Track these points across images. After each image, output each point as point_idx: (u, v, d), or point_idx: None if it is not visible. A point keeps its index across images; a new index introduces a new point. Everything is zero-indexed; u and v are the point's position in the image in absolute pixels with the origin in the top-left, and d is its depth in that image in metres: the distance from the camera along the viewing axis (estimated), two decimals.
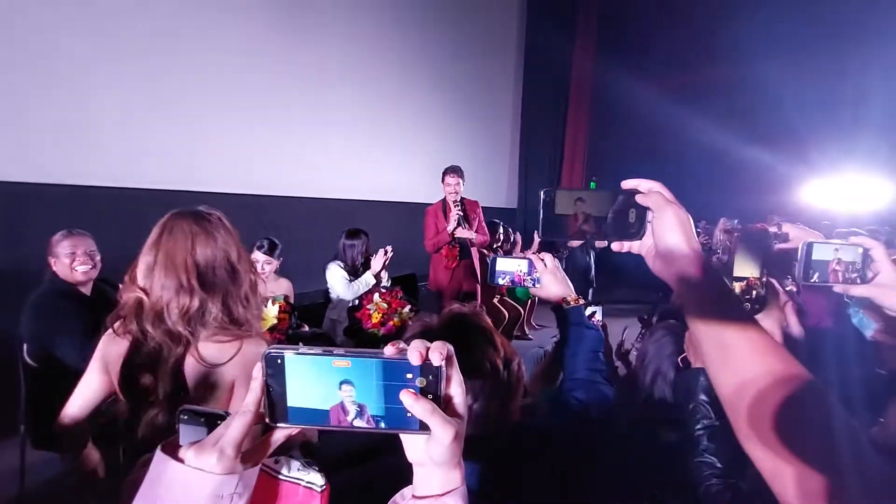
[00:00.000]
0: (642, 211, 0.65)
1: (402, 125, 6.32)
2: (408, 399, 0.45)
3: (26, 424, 2.09)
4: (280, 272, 3.20)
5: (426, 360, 0.46)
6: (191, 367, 1.15)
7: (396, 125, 6.21)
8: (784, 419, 0.49)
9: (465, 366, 0.56)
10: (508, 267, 1.30)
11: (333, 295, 3.50)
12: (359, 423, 0.47)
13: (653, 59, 8.30)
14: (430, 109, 6.74)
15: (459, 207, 3.81)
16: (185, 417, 0.64)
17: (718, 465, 0.86)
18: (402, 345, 0.47)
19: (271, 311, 2.40)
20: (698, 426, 0.90)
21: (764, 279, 0.80)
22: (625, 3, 8.65)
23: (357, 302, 3.33)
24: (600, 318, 1.44)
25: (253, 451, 0.51)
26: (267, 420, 0.48)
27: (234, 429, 0.49)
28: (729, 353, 0.54)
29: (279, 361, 0.46)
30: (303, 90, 5.02)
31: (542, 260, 1.21)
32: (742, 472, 0.83)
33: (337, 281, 3.43)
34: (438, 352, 0.46)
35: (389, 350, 0.46)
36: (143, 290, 1.15)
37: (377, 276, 3.40)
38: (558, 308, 1.18)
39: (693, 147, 7.74)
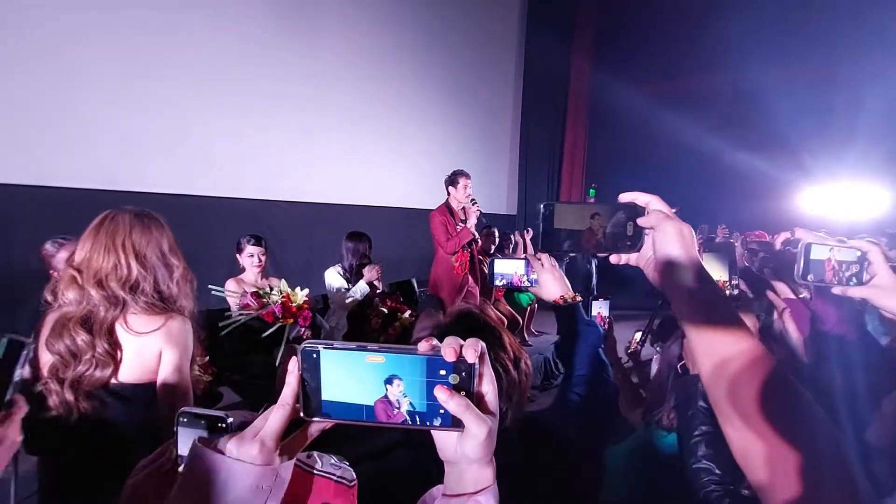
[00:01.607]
0: (640, 224, 0.66)
1: (403, 131, 6.33)
2: (442, 395, 0.46)
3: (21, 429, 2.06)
4: (278, 275, 3.19)
5: (460, 357, 0.46)
6: (120, 333, 1.29)
7: (396, 131, 6.23)
8: (754, 399, 0.53)
9: None
10: (506, 268, 1.33)
11: (332, 301, 3.49)
12: (391, 420, 0.47)
13: (650, 66, 8.38)
14: (430, 116, 6.76)
15: (477, 204, 3.81)
16: (185, 420, 0.64)
17: (717, 471, 0.86)
18: (434, 341, 0.47)
19: (300, 295, 2.66)
20: (696, 432, 0.91)
21: (735, 282, 0.83)
22: (623, 12, 8.72)
23: (356, 307, 3.33)
24: (606, 314, 1.44)
25: (289, 444, 0.52)
26: (301, 414, 0.49)
27: (273, 421, 0.49)
28: (716, 348, 0.57)
29: (314, 356, 0.47)
30: (302, 96, 5.04)
31: (540, 260, 1.23)
32: (740, 478, 0.83)
33: (335, 284, 3.43)
34: (473, 349, 0.47)
35: (423, 346, 0.47)
36: (77, 269, 1.30)
37: (371, 285, 3.40)
38: (557, 307, 1.20)
39: (690, 153, 7.79)
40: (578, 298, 1.19)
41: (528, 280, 1.29)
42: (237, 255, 3.08)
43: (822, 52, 7.22)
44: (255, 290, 2.72)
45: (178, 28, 3.96)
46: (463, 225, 3.81)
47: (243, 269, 3.08)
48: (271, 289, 2.68)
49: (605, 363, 1.13)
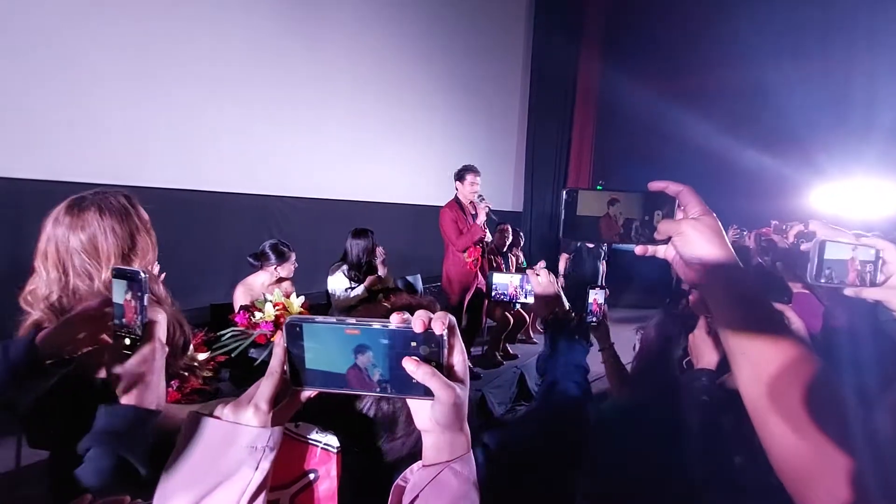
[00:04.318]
0: (669, 215, 0.63)
1: (409, 128, 6.33)
2: (410, 365, 0.49)
3: (23, 422, 2.07)
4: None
5: (428, 329, 0.49)
6: None
7: (403, 127, 6.23)
8: (796, 402, 0.51)
9: None
10: (503, 281, 1.40)
11: (334, 300, 3.49)
12: (369, 388, 0.51)
13: (659, 62, 8.28)
14: (437, 112, 6.76)
15: (486, 201, 3.79)
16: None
17: (720, 463, 0.85)
18: (406, 315, 0.50)
19: (295, 304, 2.62)
20: (700, 426, 0.90)
21: None
22: (631, 7, 8.64)
23: (358, 303, 3.33)
24: (602, 301, 1.48)
25: (280, 411, 0.56)
26: (290, 384, 0.54)
27: (264, 387, 0.55)
28: (755, 348, 0.55)
29: (298, 330, 0.51)
30: (309, 92, 5.05)
31: (538, 275, 1.25)
32: (742, 470, 0.82)
33: (337, 286, 3.43)
34: (440, 321, 0.50)
35: (395, 319, 0.50)
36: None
37: (370, 290, 3.40)
38: (548, 321, 1.19)
39: (699, 151, 7.70)
40: (572, 314, 1.20)
41: (524, 294, 1.34)
42: (271, 263, 3.03)
43: (837, 46, 7.10)
44: (252, 301, 2.65)
45: (187, 25, 3.98)
46: (474, 221, 3.80)
47: (254, 271, 3.07)
48: (265, 301, 2.56)
49: (584, 379, 1.09)
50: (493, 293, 1.40)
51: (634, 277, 6.28)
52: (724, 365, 1.02)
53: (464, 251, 3.82)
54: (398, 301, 0.82)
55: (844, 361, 1.00)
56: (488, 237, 3.89)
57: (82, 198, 1.11)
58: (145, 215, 1.16)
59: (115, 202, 1.11)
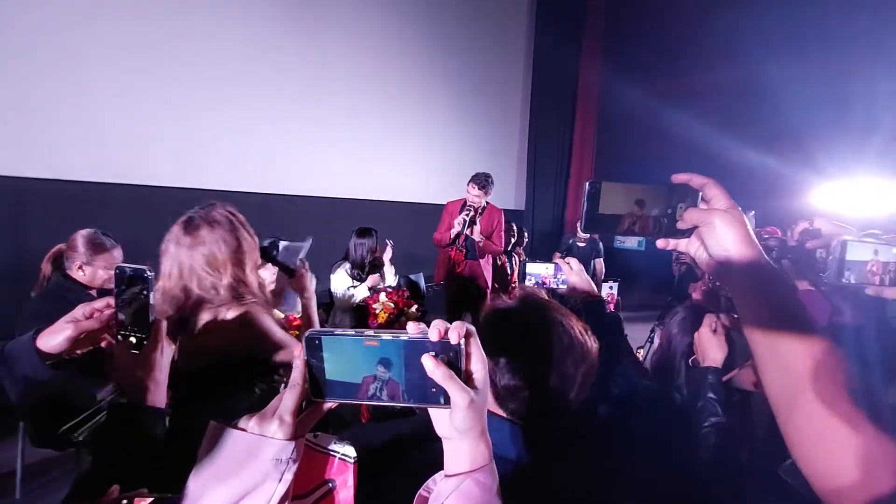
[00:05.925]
0: (692, 207, 0.62)
1: (411, 127, 6.33)
2: (429, 363, 0.49)
3: (26, 422, 2.08)
4: None
5: (444, 338, 0.50)
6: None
7: (405, 127, 6.23)
8: (826, 402, 0.50)
9: (556, 339, 0.72)
10: (537, 270, 1.51)
11: (336, 299, 3.47)
12: (388, 398, 0.52)
13: (660, 62, 8.27)
14: (438, 112, 6.75)
15: (468, 213, 3.73)
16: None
17: (726, 460, 0.85)
18: (423, 325, 0.51)
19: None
20: (706, 423, 0.90)
21: None
22: (632, 6, 8.62)
23: (363, 302, 3.32)
24: (616, 293, 1.58)
25: (301, 422, 0.56)
26: (311, 396, 0.55)
27: (287, 400, 0.55)
28: (783, 347, 0.54)
29: (317, 342, 0.52)
30: (311, 90, 5.05)
31: (569, 264, 1.36)
32: (749, 468, 0.82)
33: (339, 286, 3.42)
34: (457, 331, 0.50)
35: (412, 329, 0.51)
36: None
37: (372, 290, 3.39)
38: (585, 303, 1.29)
39: (700, 150, 7.68)
40: (601, 298, 1.32)
41: (556, 281, 1.45)
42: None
43: (838, 45, 7.07)
44: None
45: (188, 24, 3.98)
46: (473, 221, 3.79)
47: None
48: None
49: (627, 354, 1.22)
50: (528, 282, 1.51)
51: (636, 277, 6.28)
52: (730, 363, 1.02)
53: (438, 247, 3.92)
54: (518, 293, 0.88)
55: (851, 359, 1.00)
56: (476, 238, 3.79)
57: (192, 217, 1.24)
58: (241, 217, 1.30)
59: (219, 215, 1.25)
